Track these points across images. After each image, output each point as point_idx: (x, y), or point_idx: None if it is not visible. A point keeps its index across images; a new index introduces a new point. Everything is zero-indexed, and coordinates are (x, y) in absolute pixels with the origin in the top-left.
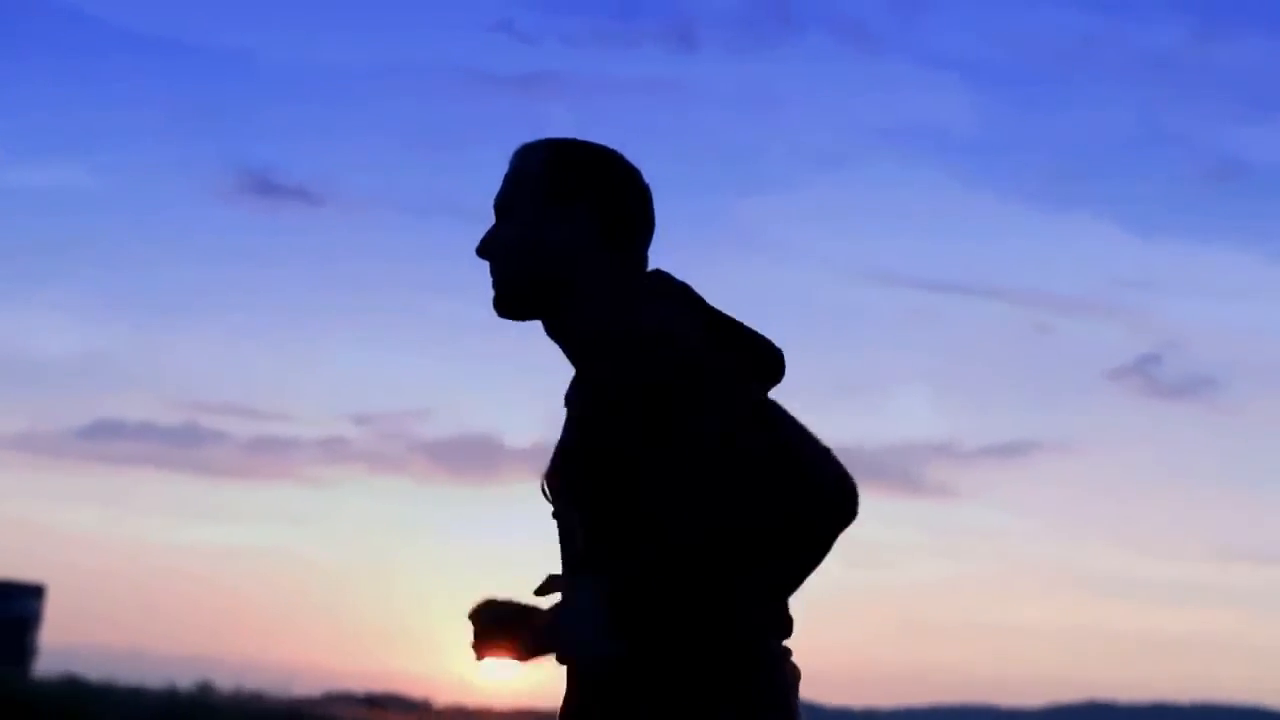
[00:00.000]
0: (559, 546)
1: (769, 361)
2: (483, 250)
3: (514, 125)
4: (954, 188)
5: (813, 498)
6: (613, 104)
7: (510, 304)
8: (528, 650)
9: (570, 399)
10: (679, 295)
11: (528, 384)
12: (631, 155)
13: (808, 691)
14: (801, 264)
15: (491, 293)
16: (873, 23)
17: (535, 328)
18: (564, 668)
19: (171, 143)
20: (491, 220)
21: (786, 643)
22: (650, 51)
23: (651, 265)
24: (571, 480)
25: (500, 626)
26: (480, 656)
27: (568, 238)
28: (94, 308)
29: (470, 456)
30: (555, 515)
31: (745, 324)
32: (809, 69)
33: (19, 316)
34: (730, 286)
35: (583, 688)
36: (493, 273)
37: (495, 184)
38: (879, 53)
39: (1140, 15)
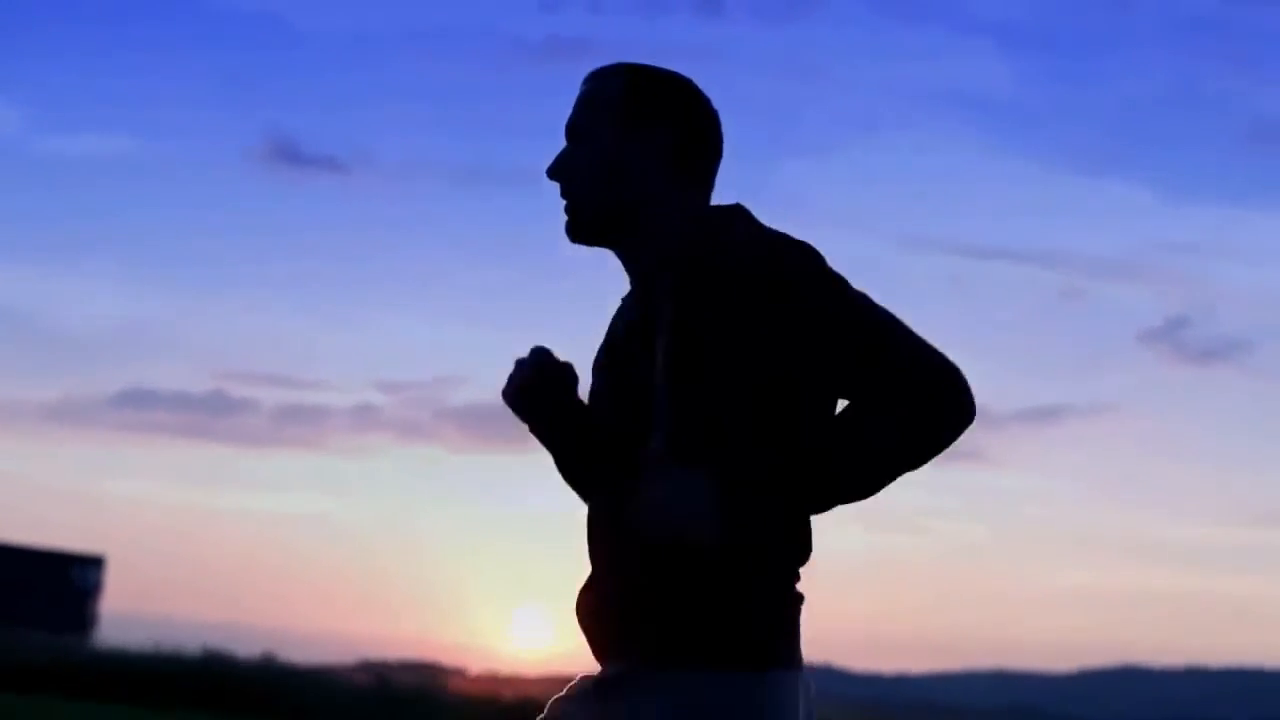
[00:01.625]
0: (615, 417)
1: None
2: (555, 172)
3: (543, 93)
4: (988, 152)
5: (961, 396)
6: None
7: (586, 228)
8: (553, 429)
9: (632, 313)
10: (756, 222)
11: (557, 348)
12: None
13: (837, 657)
14: (837, 228)
15: (564, 217)
16: None
17: (563, 292)
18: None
19: (204, 112)
20: (520, 184)
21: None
22: (679, 17)
23: None
24: (679, 364)
25: (547, 383)
26: (515, 404)
27: (646, 161)
28: (126, 277)
29: (500, 423)
30: (614, 392)
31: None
32: (842, 34)
33: (52, 286)
34: None
35: (646, 566)
36: (566, 195)
37: (524, 152)
38: (913, 18)
39: None
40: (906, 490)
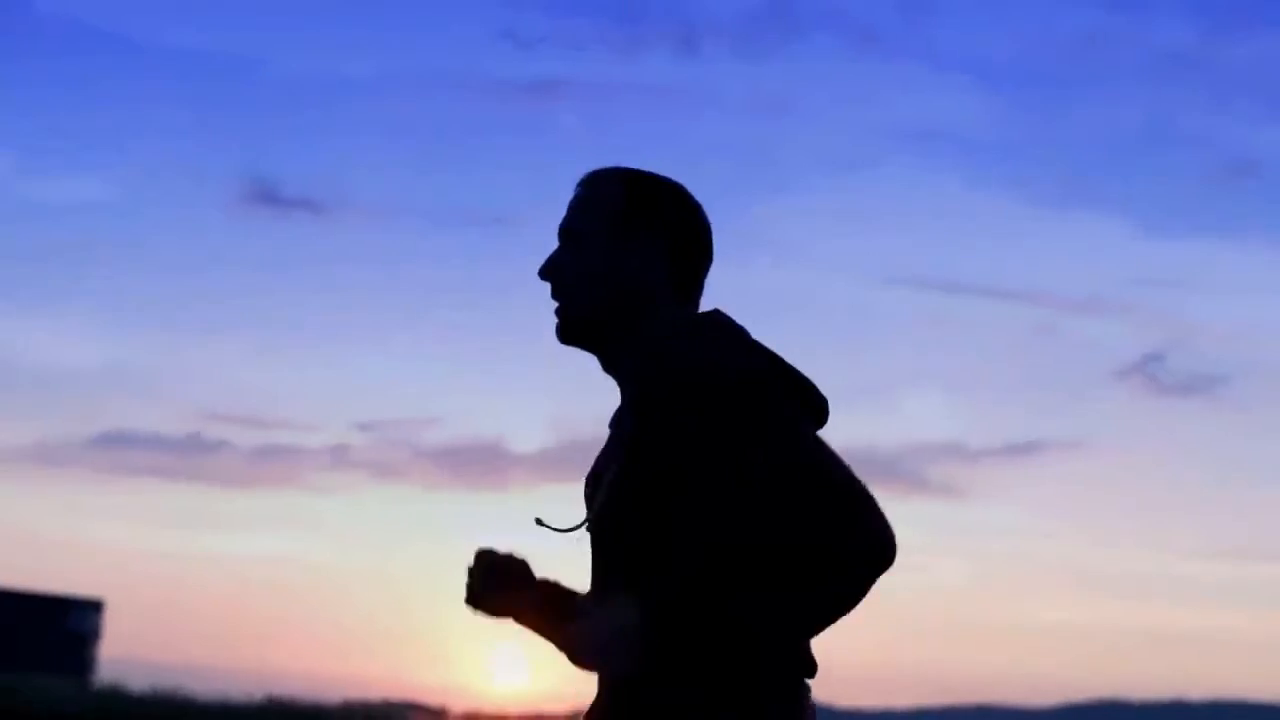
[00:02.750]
0: (591, 557)
1: (817, 405)
2: (549, 274)
3: (522, 134)
4: (963, 189)
5: (865, 540)
6: (619, 110)
7: (579, 333)
8: (521, 617)
9: (618, 426)
10: (735, 331)
11: (532, 391)
12: (641, 160)
13: (821, 693)
14: (812, 267)
15: (554, 319)
16: (880, 25)
17: (537, 330)
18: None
19: (180, 156)
20: (499, 226)
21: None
22: (654, 57)
23: None
24: (624, 500)
25: (499, 580)
26: (476, 608)
27: (642, 270)
28: (103, 320)
29: (475, 462)
30: (591, 528)
31: (796, 368)
32: (816, 73)
33: (29, 329)
34: (742, 289)
35: (612, 696)
36: (558, 298)
37: (503, 193)
38: (887, 55)
39: (1151, 14)
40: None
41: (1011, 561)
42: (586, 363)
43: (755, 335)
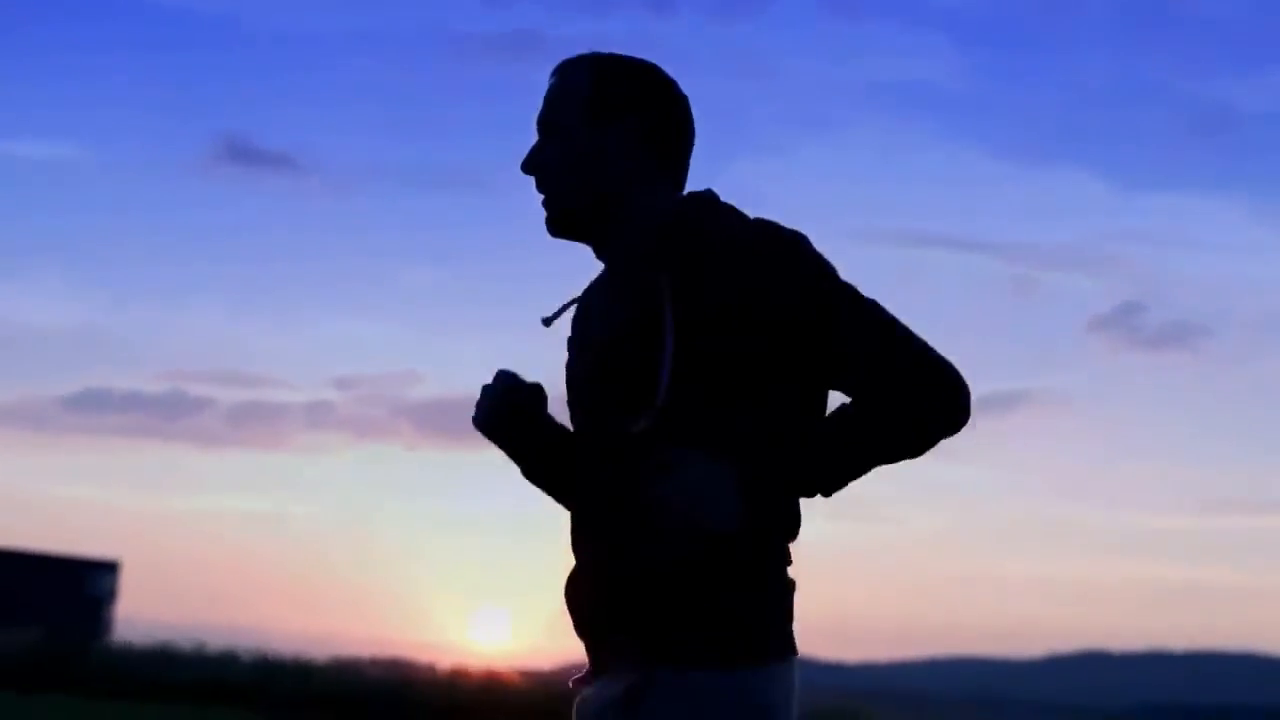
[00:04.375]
0: (581, 409)
1: None
2: (529, 167)
3: (495, 90)
4: (938, 144)
5: (961, 397)
6: None
7: (565, 223)
8: (527, 451)
9: (600, 291)
10: (728, 212)
11: (513, 346)
12: None
13: (805, 646)
14: (788, 221)
15: (542, 212)
16: None
17: (515, 286)
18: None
19: (156, 113)
20: (472, 182)
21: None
22: (628, 15)
23: None
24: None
25: (516, 408)
26: (487, 433)
27: (618, 152)
28: (76, 279)
29: (455, 419)
30: (595, 374)
31: None
32: (792, 30)
33: (4, 286)
34: None
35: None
36: (542, 190)
37: (477, 149)
38: (861, 13)
39: None
40: (866, 480)
41: (992, 515)
42: (567, 316)
43: None
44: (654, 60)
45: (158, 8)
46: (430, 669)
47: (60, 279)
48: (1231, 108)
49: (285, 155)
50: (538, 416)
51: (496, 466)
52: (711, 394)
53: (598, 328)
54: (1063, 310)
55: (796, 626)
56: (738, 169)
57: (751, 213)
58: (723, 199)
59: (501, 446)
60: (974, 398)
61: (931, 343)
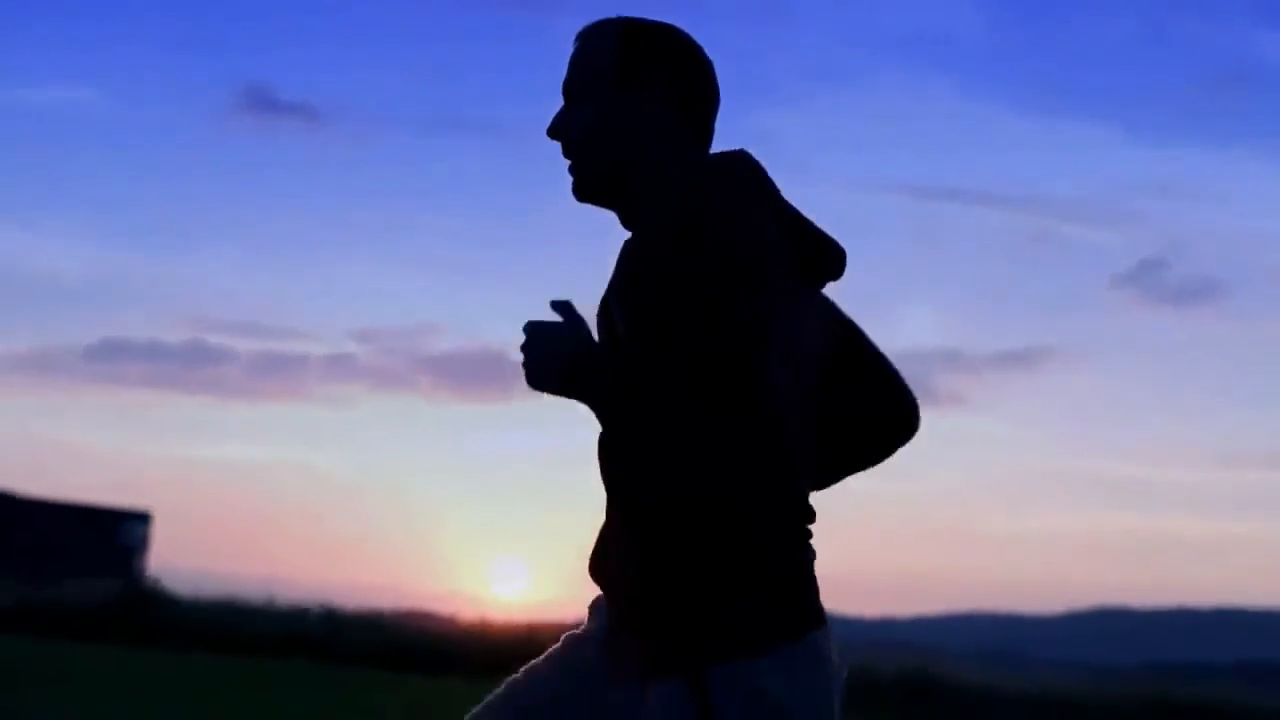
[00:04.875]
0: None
1: (832, 258)
2: (555, 133)
3: (516, 40)
4: (958, 96)
5: (902, 408)
6: (614, 15)
7: (592, 188)
8: (586, 381)
9: (625, 256)
10: (753, 179)
11: (533, 297)
12: None
13: (824, 602)
14: (807, 175)
15: (569, 178)
16: None
17: (537, 237)
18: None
19: (176, 60)
20: (495, 133)
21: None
22: None
23: None
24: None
25: (555, 350)
26: (539, 389)
27: (645, 117)
28: (95, 227)
29: (477, 371)
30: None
31: (810, 220)
32: None
33: (20, 236)
34: None
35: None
36: (569, 156)
37: (499, 100)
38: None
39: None
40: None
41: (1011, 471)
42: (586, 265)
43: None
44: (674, 10)
45: None
46: (451, 620)
47: (78, 226)
48: (1256, 61)
49: (306, 104)
50: (584, 349)
51: (517, 418)
52: (697, 381)
53: (611, 295)
54: (1082, 265)
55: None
56: (754, 119)
57: (769, 164)
58: (753, 160)
59: (562, 395)
60: (995, 352)
61: (952, 297)
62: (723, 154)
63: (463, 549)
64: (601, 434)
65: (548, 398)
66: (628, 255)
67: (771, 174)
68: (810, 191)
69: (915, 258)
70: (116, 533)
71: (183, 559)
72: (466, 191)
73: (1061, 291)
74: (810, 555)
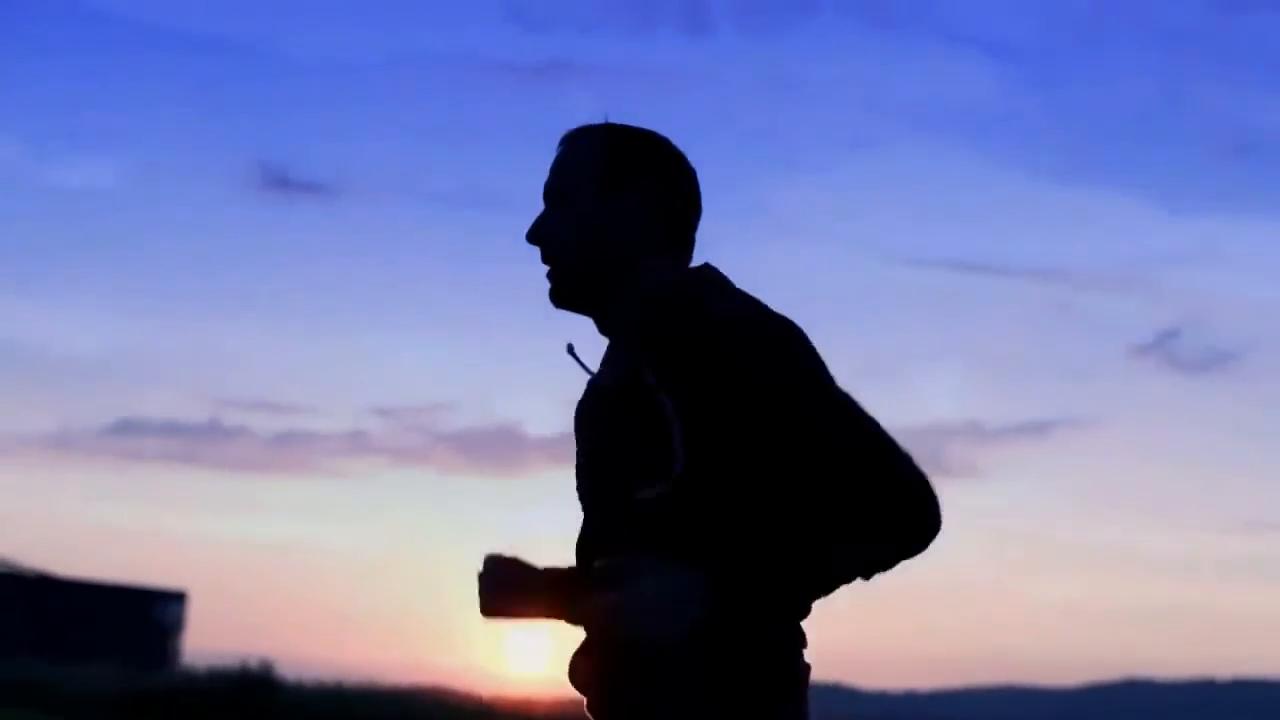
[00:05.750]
0: (581, 496)
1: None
2: (535, 237)
3: (531, 115)
4: (976, 166)
5: (936, 520)
6: (629, 90)
7: (570, 293)
8: (537, 614)
9: (607, 367)
10: (735, 289)
11: (548, 373)
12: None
13: (846, 675)
14: (825, 245)
15: (547, 284)
16: (890, 1)
17: (557, 315)
18: (584, 635)
19: (193, 140)
20: (510, 207)
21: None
22: (664, 36)
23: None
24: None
25: (510, 586)
26: (488, 615)
27: (627, 225)
28: (115, 307)
29: (493, 447)
30: (585, 484)
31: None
32: (827, 50)
33: (40, 316)
34: (755, 268)
35: (620, 666)
36: (548, 261)
37: (516, 174)
38: (897, 32)
39: None
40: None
41: (1031, 541)
42: (598, 342)
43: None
44: (689, 85)
45: (192, 35)
46: (468, 697)
47: (97, 306)
48: (1273, 129)
49: (321, 183)
50: (532, 580)
51: (532, 492)
52: (688, 494)
53: (590, 407)
54: (1101, 334)
55: (840, 656)
56: (774, 190)
57: (784, 236)
58: (719, 271)
59: (515, 619)
60: (1014, 424)
61: (970, 367)
62: (694, 269)
63: (476, 624)
64: (582, 533)
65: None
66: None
67: (787, 244)
68: (827, 263)
69: (933, 329)
70: (151, 613)
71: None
72: (480, 267)
73: (1081, 362)
74: (791, 669)
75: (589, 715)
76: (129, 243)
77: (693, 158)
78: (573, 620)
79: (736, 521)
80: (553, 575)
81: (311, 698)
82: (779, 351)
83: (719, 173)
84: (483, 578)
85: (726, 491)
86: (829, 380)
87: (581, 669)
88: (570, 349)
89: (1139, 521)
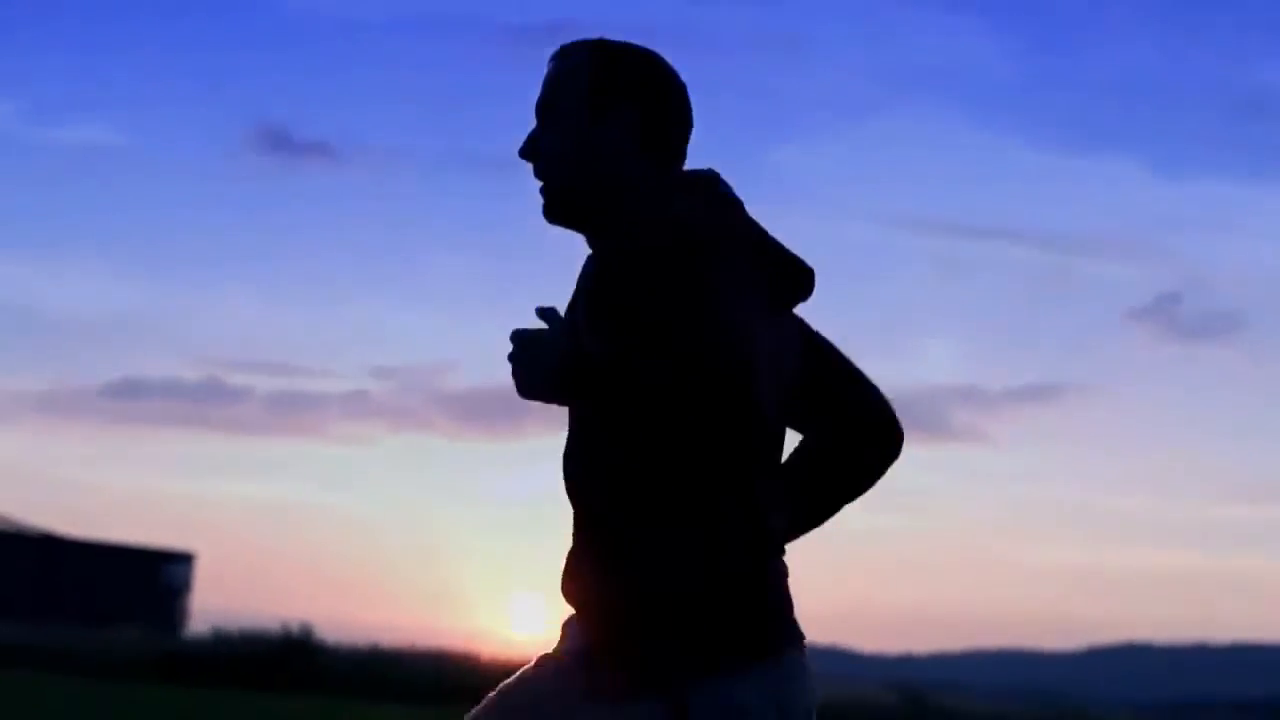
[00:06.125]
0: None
1: (794, 278)
2: (527, 153)
3: (532, 77)
4: (978, 132)
5: (881, 424)
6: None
7: (561, 209)
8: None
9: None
10: (711, 193)
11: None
12: None
13: (845, 638)
14: (824, 210)
15: (540, 199)
16: None
17: (559, 277)
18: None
19: (194, 100)
20: (509, 170)
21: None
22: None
23: None
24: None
25: (539, 357)
26: (531, 398)
27: (617, 138)
28: (114, 266)
29: (493, 409)
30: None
31: (777, 239)
32: (826, 14)
33: (40, 275)
34: None
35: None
36: (539, 176)
37: (514, 137)
38: None
39: None
40: (902, 469)
41: (1032, 505)
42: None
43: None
44: (687, 44)
45: None
46: (469, 659)
47: (97, 265)
48: (1272, 93)
49: (323, 144)
50: (568, 347)
51: (533, 454)
52: (665, 456)
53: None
54: (1100, 299)
55: (839, 619)
56: (772, 154)
57: (783, 201)
58: (722, 181)
59: (555, 400)
60: (1015, 387)
61: (971, 332)
62: (692, 171)
63: (478, 587)
64: (567, 448)
65: (542, 405)
66: (594, 270)
67: (787, 209)
68: (827, 227)
69: (932, 293)
70: (159, 574)
71: (219, 600)
72: (483, 228)
73: (1081, 326)
74: (783, 575)
75: (582, 625)
76: (127, 202)
77: (696, 117)
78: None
79: (715, 480)
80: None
81: (343, 659)
82: (673, 277)
83: (717, 135)
84: (514, 354)
85: (692, 453)
86: (716, 305)
87: (572, 580)
88: (539, 310)
89: (1139, 486)
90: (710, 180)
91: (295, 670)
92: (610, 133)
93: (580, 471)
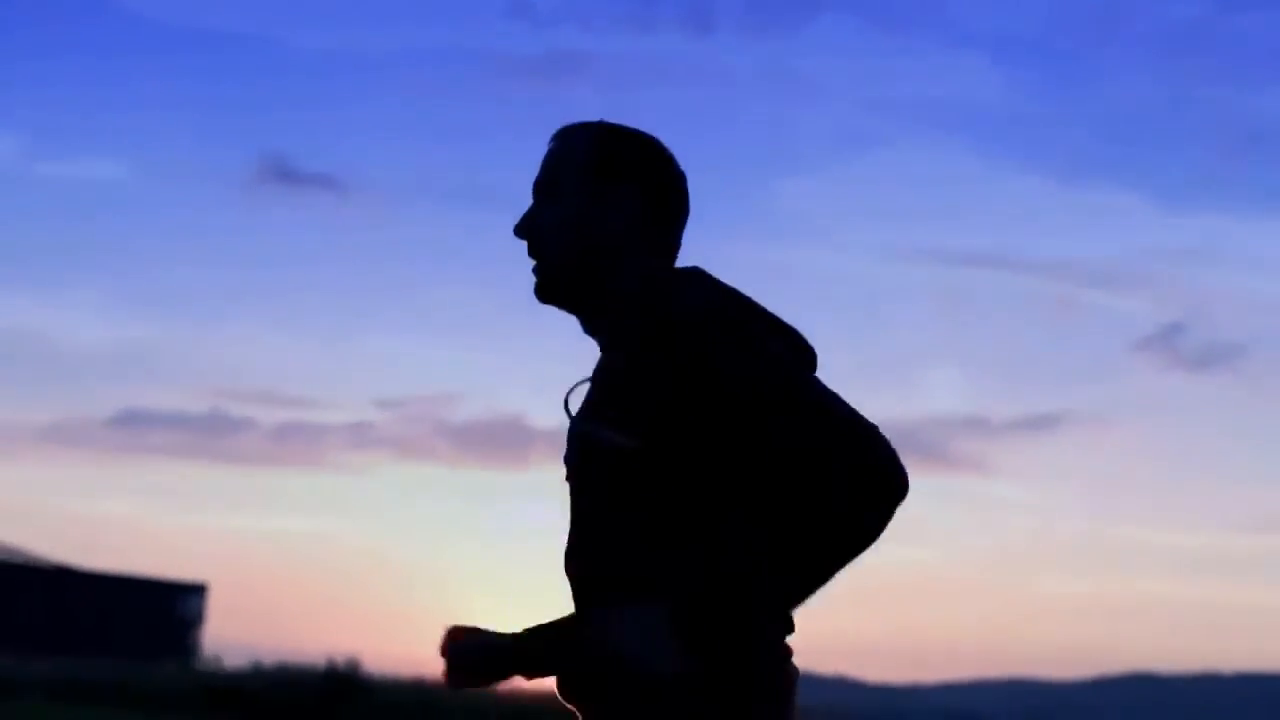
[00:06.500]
0: (572, 504)
1: (806, 352)
2: (523, 231)
3: (536, 110)
4: (980, 163)
5: (878, 485)
6: (634, 86)
7: (556, 289)
8: (504, 679)
9: (593, 383)
10: (713, 280)
11: (553, 365)
12: (660, 137)
13: (852, 669)
14: (830, 241)
15: (533, 278)
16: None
17: (556, 312)
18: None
19: (198, 133)
20: (513, 202)
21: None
22: (668, 34)
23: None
24: (604, 475)
25: (473, 660)
26: (452, 686)
27: (616, 221)
28: (118, 299)
29: (498, 439)
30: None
31: (779, 316)
32: (830, 48)
33: (47, 307)
34: (761, 267)
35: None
36: (535, 255)
37: (518, 169)
38: (901, 30)
39: None
40: (909, 501)
41: (1037, 535)
42: (584, 342)
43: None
44: (695, 80)
45: (201, 31)
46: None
47: (101, 299)
48: (1276, 125)
49: (327, 176)
50: (497, 652)
51: (536, 485)
52: (655, 527)
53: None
54: (1105, 330)
55: (845, 649)
56: (781, 186)
57: (788, 233)
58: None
59: (486, 687)
60: (1019, 417)
61: (975, 362)
62: (680, 269)
63: (480, 615)
64: (570, 544)
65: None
66: (613, 369)
67: (792, 240)
68: (832, 259)
69: (938, 324)
70: (173, 606)
71: (232, 632)
72: (487, 260)
73: (1085, 357)
74: (790, 675)
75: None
76: (132, 235)
77: (696, 153)
78: (561, 670)
79: (714, 512)
80: (525, 640)
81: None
82: (743, 341)
83: (723, 168)
84: (446, 655)
85: (697, 477)
86: (795, 372)
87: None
88: (566, 403)
89: (1144, 516)
90: (704, 272)
91: (342, 708)
92: (609, 213)
93: (584, 570)
